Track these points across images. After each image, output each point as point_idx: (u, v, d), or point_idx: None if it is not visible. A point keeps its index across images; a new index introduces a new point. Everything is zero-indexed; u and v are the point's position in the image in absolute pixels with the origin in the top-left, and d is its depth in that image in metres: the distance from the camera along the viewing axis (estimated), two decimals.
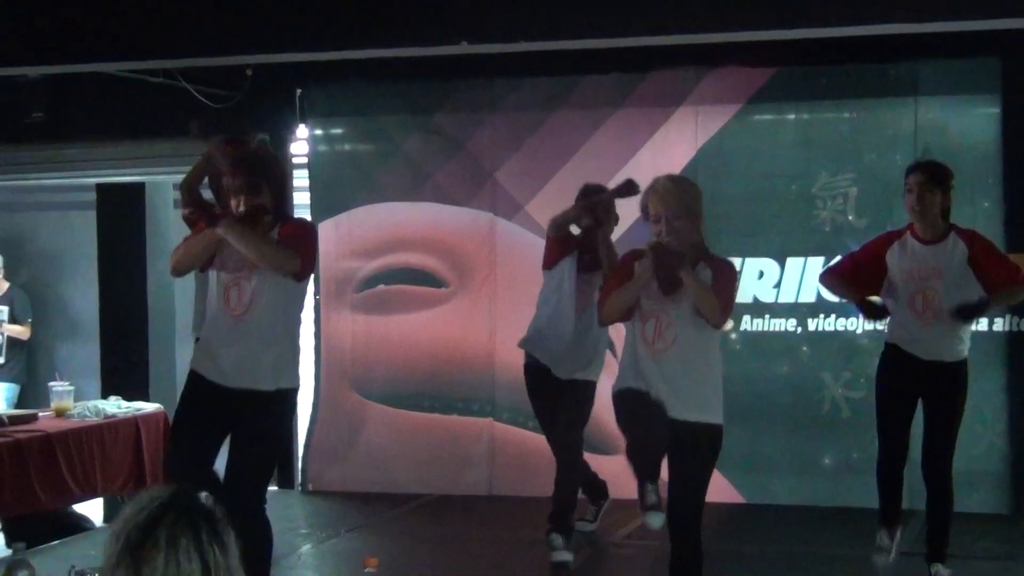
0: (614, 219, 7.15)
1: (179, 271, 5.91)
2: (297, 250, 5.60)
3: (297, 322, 5.91)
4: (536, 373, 7.20)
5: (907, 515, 7.46)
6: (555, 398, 7.10)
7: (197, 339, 6.77)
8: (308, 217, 9.46)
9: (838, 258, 7.27)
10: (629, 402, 5.53)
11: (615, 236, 7.28)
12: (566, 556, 6.93)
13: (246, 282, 5.62)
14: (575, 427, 7.12)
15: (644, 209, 5.62)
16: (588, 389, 7.18)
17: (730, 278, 5.68)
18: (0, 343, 10.61)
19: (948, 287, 6.38)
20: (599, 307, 5.88)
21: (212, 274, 5.77)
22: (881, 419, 6.77)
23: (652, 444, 5.55)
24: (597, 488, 7.61)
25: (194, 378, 5.83)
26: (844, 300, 7.29)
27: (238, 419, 5.65)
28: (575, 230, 7.15)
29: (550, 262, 7.15)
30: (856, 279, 6.67)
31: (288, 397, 5.83)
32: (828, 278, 6.97)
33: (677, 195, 5.49)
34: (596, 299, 6.61)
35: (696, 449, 5.51)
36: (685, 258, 5.38)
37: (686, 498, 5.53)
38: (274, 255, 5.56)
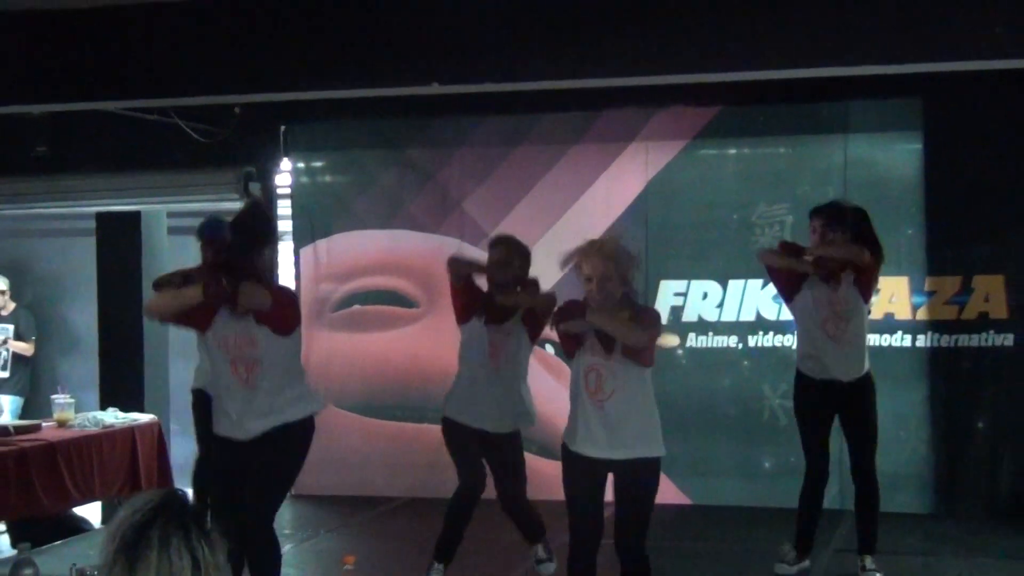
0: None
1: (152, 317, 5.86)
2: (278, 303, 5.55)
3: (297, 363, 5.89)
4: (454, 430, 6.60)
5: (837, 515, 7.52)
6: (485, 452, 6.59)
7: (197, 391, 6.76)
8: (291, 243, 9.47)
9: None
10: (573, 467, 5.55)
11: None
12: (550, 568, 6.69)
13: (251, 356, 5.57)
14: (520, 483, 6.62)
15: (577, 265, 5.49)
16: (517, 440, 6.64)
17: (653, 320, 5.59)
18: (5, 359, 10.52)
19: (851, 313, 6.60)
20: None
21: (213, 346, 5.65)
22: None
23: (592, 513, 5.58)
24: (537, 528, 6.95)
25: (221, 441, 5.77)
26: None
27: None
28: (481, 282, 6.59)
29: (461, 317, 6.62)
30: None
31: (294, 429, 5.78)
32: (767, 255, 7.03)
33: (605, 259, 5.37)
34: (513, 347, 6.45)
35: (639, 482, 5.53)
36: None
37: (637, 524, 5.55)
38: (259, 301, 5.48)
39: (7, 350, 10.52)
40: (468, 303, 6.51)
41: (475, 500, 6.48)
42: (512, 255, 6.42)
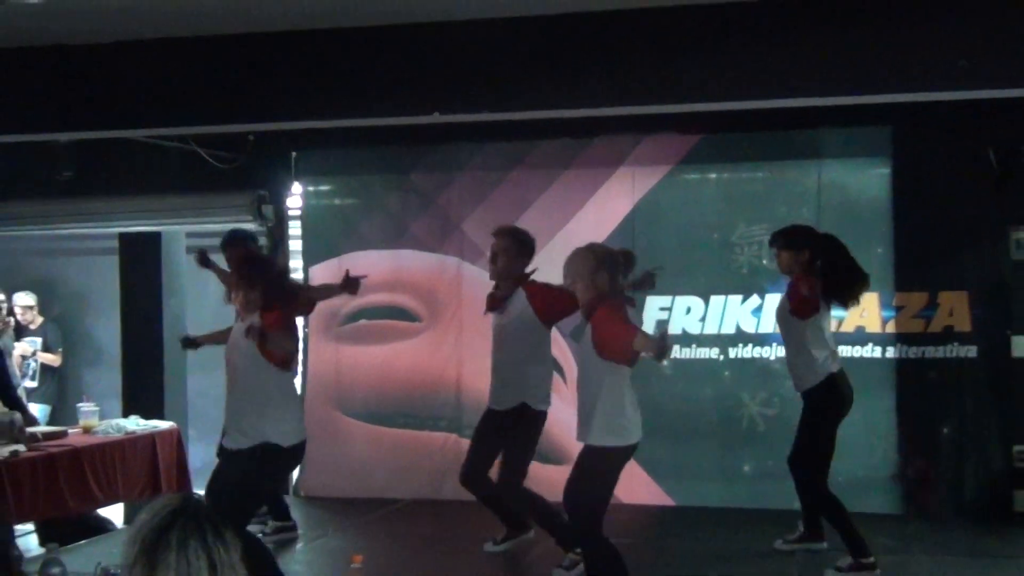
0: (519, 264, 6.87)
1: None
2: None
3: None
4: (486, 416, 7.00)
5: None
6: (498, 431, 6.83)
7: None
8: (301, 263, 9.48)
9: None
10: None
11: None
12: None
13: None
14: (521, 460, 6.79)
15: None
16: (527, 413, 6.77)
17: (605, 319, 5.62)
18: (34, 369, 10.51)
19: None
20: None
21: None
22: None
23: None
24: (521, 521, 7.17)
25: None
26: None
27: None
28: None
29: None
30: None
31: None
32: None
33: (568, 265, 5.78)
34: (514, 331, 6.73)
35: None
36: None
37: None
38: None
39: (36, 361, 10.51)
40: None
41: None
42: (506, 246, 6.78)
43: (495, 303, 6.86)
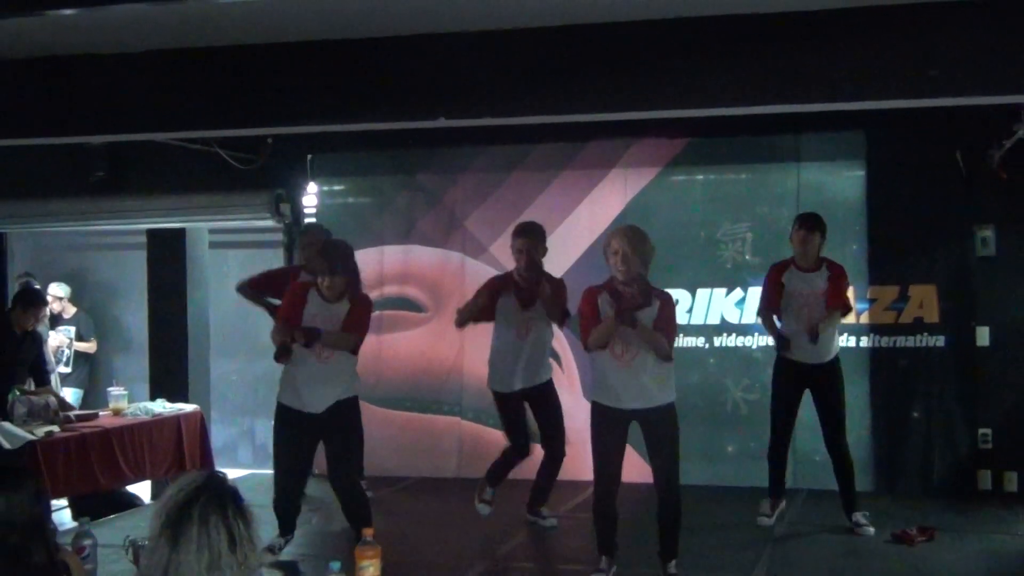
0: (541, 253, 7.01)
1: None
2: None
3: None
4: (500, 398, 7.15)
5: (792, 493, 7.52)
6: (521, 409, 7.11)
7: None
8: None
9: (759, 296, 7.39)
10: (601, 417, 5.92)
11: (562, 266, 7.32)
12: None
13: None
14: (559, 423, 7.14)
15: (605, 249, 5.88)
16: (550, 386, 7.16)
17: (671, 312, 5.97)
18: (68, 356, 10.51)
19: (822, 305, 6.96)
20: (583, 340, 6.00)
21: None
22: (775, 413, 7.15)
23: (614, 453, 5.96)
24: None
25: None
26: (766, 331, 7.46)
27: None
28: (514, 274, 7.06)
29: (489, 314, 7.07)
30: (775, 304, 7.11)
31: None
32: (765, 317, 7.28)
33: (629, 237, 5.76)
34: (538, 326, 6.93)
35: (664, 422, 5.91)
36: (637, 305, 5.74)
37: (670, 458, 5.95)
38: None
39: (70, 348, 10.51)
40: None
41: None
42: (535, 242, 6.95)
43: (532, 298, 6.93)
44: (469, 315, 7.04)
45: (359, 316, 6.28)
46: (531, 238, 6.94)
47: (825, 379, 7.01)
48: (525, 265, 6.89)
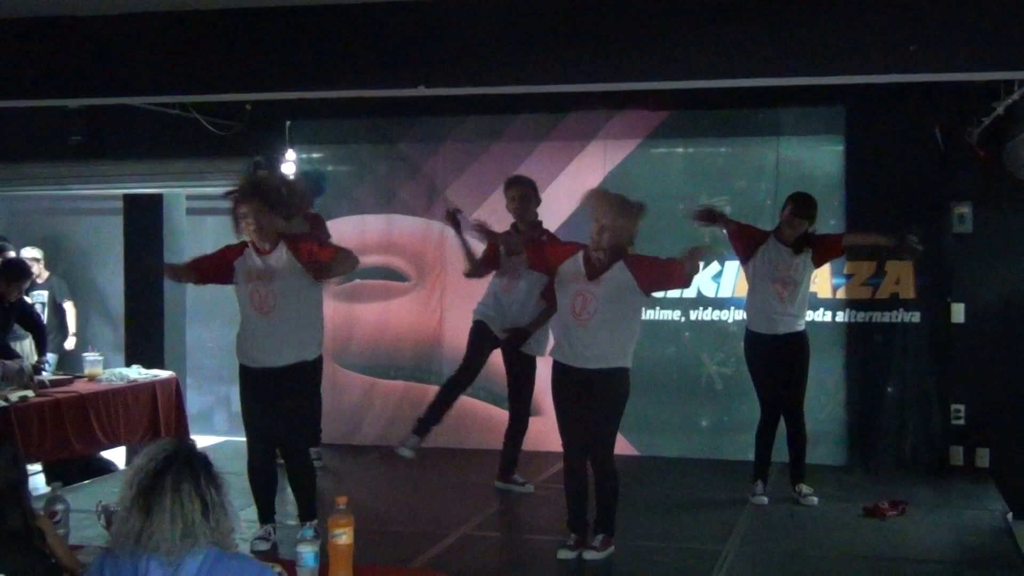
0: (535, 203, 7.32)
1: None
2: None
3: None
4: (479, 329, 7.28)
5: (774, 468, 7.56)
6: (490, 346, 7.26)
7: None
8: None
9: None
10: (559, 374, 5.85)
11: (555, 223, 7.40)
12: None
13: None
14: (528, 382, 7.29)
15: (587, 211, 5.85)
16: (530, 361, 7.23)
17: (648, 260, 5.90)
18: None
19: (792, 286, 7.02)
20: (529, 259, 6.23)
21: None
22: (757, 391, 7.23)
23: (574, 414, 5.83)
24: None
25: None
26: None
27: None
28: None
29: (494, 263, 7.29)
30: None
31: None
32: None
33: (610, 205, 5.72)
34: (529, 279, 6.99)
35: (610, 383, 5.73)
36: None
37: (605, 421, 5.81)
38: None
39: (44, 312, 10.45)
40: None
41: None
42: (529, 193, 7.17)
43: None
44: (472, 265, 7.30)
45: (310, 246, 5.90)
46: (526, 187, 7.21)
47: (790, 352, 7.04)
48: (517, 211, 7.13)
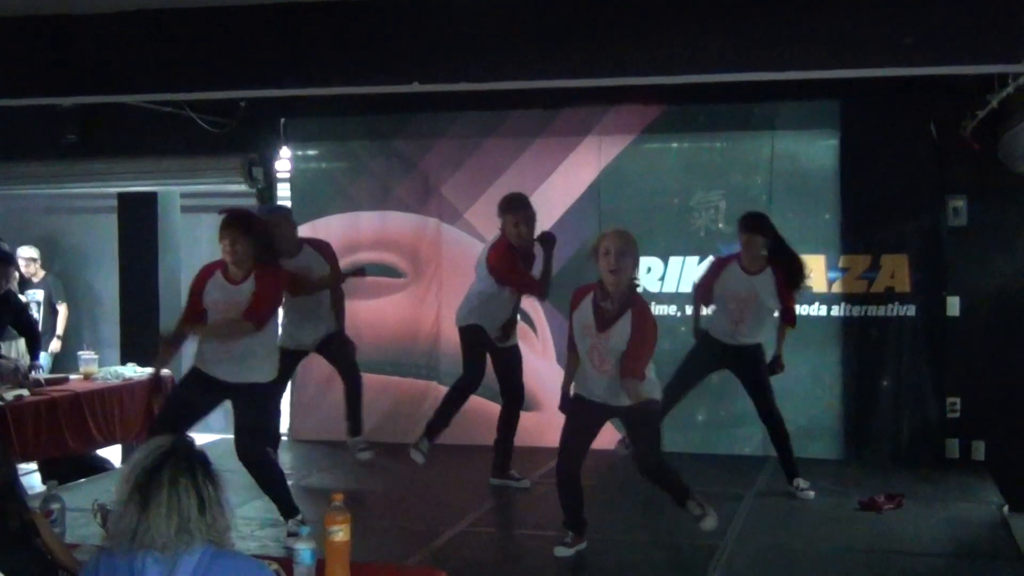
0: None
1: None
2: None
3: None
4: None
5: (761, 461, 7.56)
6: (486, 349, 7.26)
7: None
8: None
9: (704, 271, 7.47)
10: (578, 406, 5.88)
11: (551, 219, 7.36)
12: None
13: None
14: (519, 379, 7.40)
15: (595, 249, 5.71)
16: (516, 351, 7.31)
17: (645, 329, 5.67)
18: (37, 320, 10.43)
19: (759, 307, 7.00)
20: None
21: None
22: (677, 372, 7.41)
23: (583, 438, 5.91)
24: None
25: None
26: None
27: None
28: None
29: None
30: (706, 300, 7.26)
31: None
32: (695, 306, 7.43)
33: (623, 240, 5.65)
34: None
35: (648, 421, 5.79)
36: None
37: (654, 450, 5.90)
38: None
39: (39, 312, 10.44)
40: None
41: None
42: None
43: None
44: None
45: (260, 294, 5.95)
46: (531, 210, 7.05)
47: (741, 363, 7.13)
48: (525, 235, 6.98)
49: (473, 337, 7.19)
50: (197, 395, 6.14)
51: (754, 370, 7.13)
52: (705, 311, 7.32)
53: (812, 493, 7.05)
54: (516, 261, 6.97)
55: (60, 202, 11.46)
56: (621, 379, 5.59)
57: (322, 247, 7.58)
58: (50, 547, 3.29)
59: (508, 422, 7.34)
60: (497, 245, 7.00)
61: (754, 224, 7.03)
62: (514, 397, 7.37)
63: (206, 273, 6.14)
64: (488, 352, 7.24)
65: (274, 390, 6.62)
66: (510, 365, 7.32)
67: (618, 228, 5.84)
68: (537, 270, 7.06)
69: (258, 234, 6.02)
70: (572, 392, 5.96)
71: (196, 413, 6.20)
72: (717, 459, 8.10)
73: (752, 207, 8.13)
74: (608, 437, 7.75)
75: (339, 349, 7.68)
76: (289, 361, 7.15)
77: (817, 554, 5.99)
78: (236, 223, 5.96)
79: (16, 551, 3.11)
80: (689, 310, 8.57)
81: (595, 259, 5.68)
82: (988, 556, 6.01)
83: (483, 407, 7.96)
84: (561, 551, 5.91)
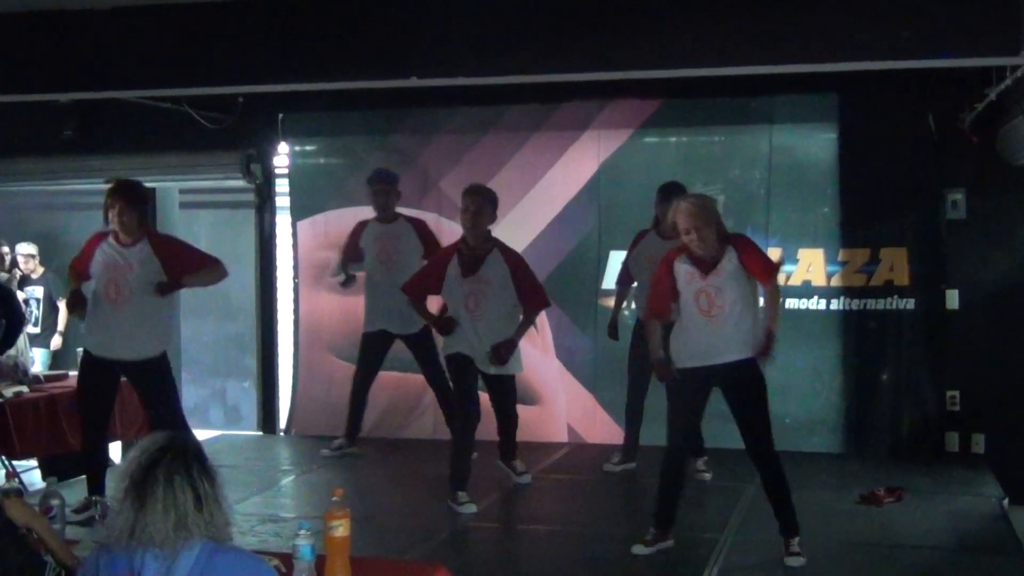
0: (488, 218, 6.80)
1: None
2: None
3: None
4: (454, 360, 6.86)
5: None
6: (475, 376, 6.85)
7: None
8: (289, 218, 9.43)
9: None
10: (687, 377, 5.72)
11: (534, 228, 7.26)
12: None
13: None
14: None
15: (672, 225, 5.71)
16: (509, 382, 6.91)
17: (752, 248, 5.78)
18: (37, 316, 10.43)
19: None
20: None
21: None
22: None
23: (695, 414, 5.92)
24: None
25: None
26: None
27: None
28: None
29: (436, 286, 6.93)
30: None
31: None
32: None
33: (695, 214, 5.59)
34: (490, 303, 6.64)
35: (752, 380, 5.69)
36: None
37: (762, 417, 5.72)
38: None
39: (38, 308, 10.43)
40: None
41: None
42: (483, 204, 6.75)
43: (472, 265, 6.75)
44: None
45: (182, 252, 6.51)
46: (480, 196, 6.77)
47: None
48: (471, 224, 6.68)
49: (454, 367, 6.89)
50: (100, 380, 6.45)
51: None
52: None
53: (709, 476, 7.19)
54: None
55: (59, 198, 11.44)
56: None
57: (419, 224, 7.84)
58: (48, 544, 3.28)
59: (500, 425, 7.12)
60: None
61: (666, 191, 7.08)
62: (503, 422, 7.08)
63: (94, 243, 6.49)
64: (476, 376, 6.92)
65: (166, 362, 6.64)
66: (500, 392, 6.96)
67: (689, 202, 5.74)
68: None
69: (143, 203, 6.45)
70: (677, 367, 5.77)
71: (110, 398, 6.60)
72: (717, 452, 8.06)
73: (751, 201, 8.17)
74: (606, 430, 7.80)
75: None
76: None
77: (817, 547, 5.97)
78: (122, 192, 6.36)
79: (9, 546, 3.10)
80: None
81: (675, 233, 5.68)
82: (988, 549, 6.01)
83: (483, 401, 7.95)
84: (640, 549, 5.75)
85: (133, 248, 6.32)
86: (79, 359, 6.66)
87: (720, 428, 8.32)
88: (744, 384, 5.67)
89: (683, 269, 5.68)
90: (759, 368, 5.69)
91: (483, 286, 6.66)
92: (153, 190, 9.97)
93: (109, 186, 6.50)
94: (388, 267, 7.78)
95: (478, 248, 6.73)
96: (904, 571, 5.70)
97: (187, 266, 6.42)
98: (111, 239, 6.38)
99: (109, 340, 6.32)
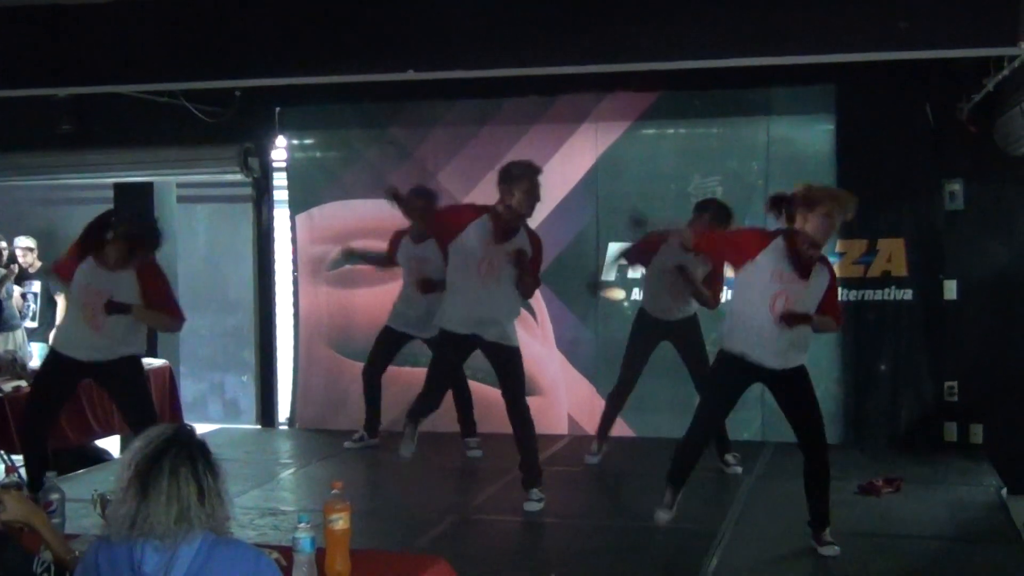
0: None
1: None
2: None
3: None
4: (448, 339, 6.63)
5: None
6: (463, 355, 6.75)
7: None
8: (287, 210, 9.43)
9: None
10: (732, 364, 5.79)
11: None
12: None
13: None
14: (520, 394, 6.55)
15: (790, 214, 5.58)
16: (511, 353, 6.50)
17: (835, 281, 5.88)
18: (35, 310, 10.41)
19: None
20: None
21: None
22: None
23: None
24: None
25: None
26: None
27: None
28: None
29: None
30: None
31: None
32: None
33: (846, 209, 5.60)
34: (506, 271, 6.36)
35: (802, 381, 5.77)
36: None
37: (817, 415, 5.83)
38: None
39: (36, 302, 10.42)
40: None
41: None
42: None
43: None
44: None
45: (159, 290, 6.49)
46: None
47: (682, 332, 7.33)
48: (528, 205, 6.35)
49: (446, 349, 6.79)
50: (60, 379, 6.50)
51: (691, 341, 7.46)
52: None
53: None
54: None
55: (57, 193, 11.44)
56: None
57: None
58: (48, 539, 3.28)
59: (522, 437, 6.65)
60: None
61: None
62: (515, 415, 6.60)
63: (77, 257, 6.51)
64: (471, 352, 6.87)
65: (139, 362, 6.68)
66: (504, 368, 6.60)
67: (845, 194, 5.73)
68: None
69: (132, 235, 6.46)
70: (729, 350, 5.81)
71: (64, 397, 6.67)
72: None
73: (749, 192, 8.17)
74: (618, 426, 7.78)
75: None
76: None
77: None
78: (134, 239, 6.44)
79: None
80: None
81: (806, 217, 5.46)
82: (987, 539, 6.03)
83: (482, 391, 7.96)
84: (662, 515, 6.01)
85: (117, 273, 6.38)
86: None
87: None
88: (797, 382, 5.75)
89: (776, 264, 5.55)
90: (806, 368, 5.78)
91: (505, 257, 6.36)
92: (150, 184, 9.98)
93: (121, 228, 6.51)
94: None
95: (513, 221, 6.43)
96: (903, 561, 5.71)
97: (155, 303, 6.44)
98: (92, 259, 6.41)
99: (80, 347, 6.43)
